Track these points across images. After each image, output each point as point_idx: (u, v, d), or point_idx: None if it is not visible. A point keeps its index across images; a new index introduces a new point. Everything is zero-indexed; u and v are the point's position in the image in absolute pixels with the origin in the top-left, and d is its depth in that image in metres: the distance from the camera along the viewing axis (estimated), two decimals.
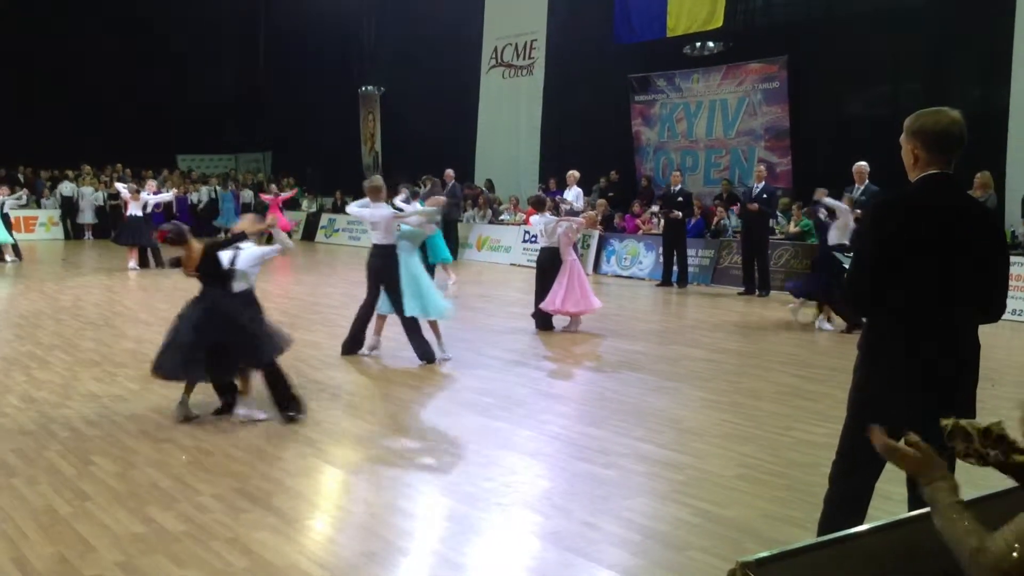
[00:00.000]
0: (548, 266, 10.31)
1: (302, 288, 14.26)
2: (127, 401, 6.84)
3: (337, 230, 24.05)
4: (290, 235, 23.41)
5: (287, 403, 6.33)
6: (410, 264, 8.54)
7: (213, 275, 6.35)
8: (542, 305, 10.23)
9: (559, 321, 10.45)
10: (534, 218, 11.16)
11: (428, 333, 8.56)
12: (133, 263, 16.03)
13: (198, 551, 4.06)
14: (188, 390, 6.31)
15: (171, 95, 26.63)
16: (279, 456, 5.53)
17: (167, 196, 18.08)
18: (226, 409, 6.40)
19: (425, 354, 8.38)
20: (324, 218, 24.82)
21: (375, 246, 8.64)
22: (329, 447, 5.83)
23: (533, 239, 18.54)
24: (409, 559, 4.14)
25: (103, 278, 14.76)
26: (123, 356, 8.53)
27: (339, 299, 12.87)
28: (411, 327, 8.41)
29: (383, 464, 5.49)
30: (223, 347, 6.12)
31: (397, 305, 8.38)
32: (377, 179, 8.86)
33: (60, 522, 4.40)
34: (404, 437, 6.14)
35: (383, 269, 8.48)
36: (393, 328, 8.75)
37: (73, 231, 23.41)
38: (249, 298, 6.74)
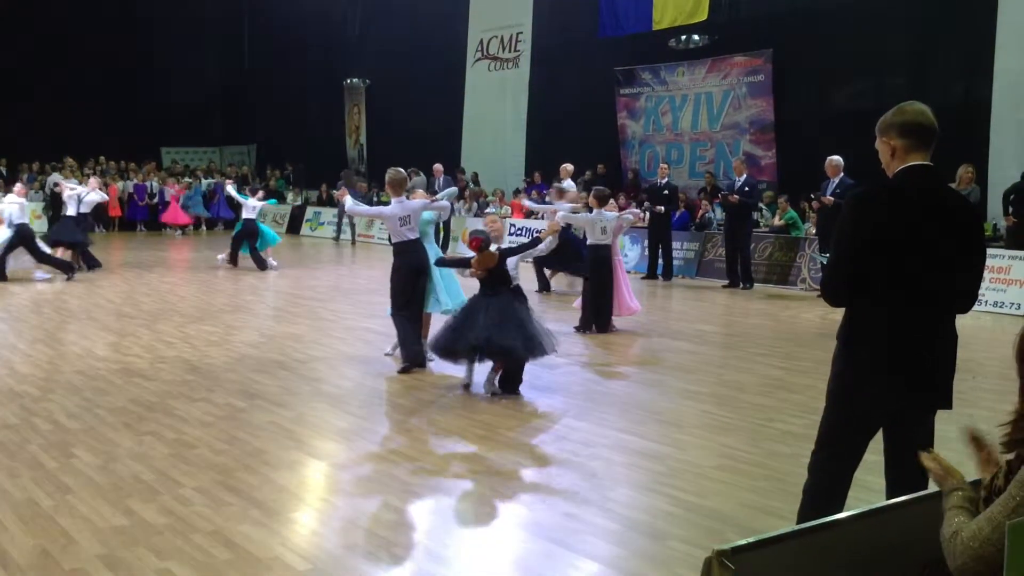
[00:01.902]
0: (603, 265, 9.83)
1: (286, 281, 14.22)
2: (109, 394, 6.81)
3: (322, 223, 23.99)
4: (185, 230, 23.54)
5: (516, 389, 7.03)
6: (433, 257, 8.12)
7: (502, 276, 7.11)
8: (617, 313, 9.88)
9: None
10: (584, 216, 10.21)
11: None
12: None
13: (180, 544, 4.06)
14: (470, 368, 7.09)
15: (155, 88, 26.46)
16: (262, 449, 5.52)
17: (96, 196, 15.47)
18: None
19: (413, 358, 7.82)
20: (309, 211, 24.75)
21: (409, 242, 7.90)
22: (313, 440, 5.82)
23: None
24: (393, 551, 4.15)
25: (84, 271, 14.67)
26: (104, 349, 8.50)
27: (325, 293, 12.85)
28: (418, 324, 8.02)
29: (367, 457, 5.50)
30: (509, 336, 6.78)
31: (423, 299, 8.00)
32: (399, 172, 8.09)
33: (41, 515, 4.38)
34: (388, 430, 6.14)
35: (424, 265, 7.93)
36: (375, 322, 8.74)
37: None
38: (523, 296, 7.37)
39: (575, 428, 6.08)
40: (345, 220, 21.95)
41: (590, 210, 10.13)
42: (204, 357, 8.34)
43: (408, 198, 8.04)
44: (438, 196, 9.01)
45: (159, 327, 9.88)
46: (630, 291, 10.27)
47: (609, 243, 9.94)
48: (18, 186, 14.44)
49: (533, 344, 6.89)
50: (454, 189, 9.03)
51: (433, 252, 8.26)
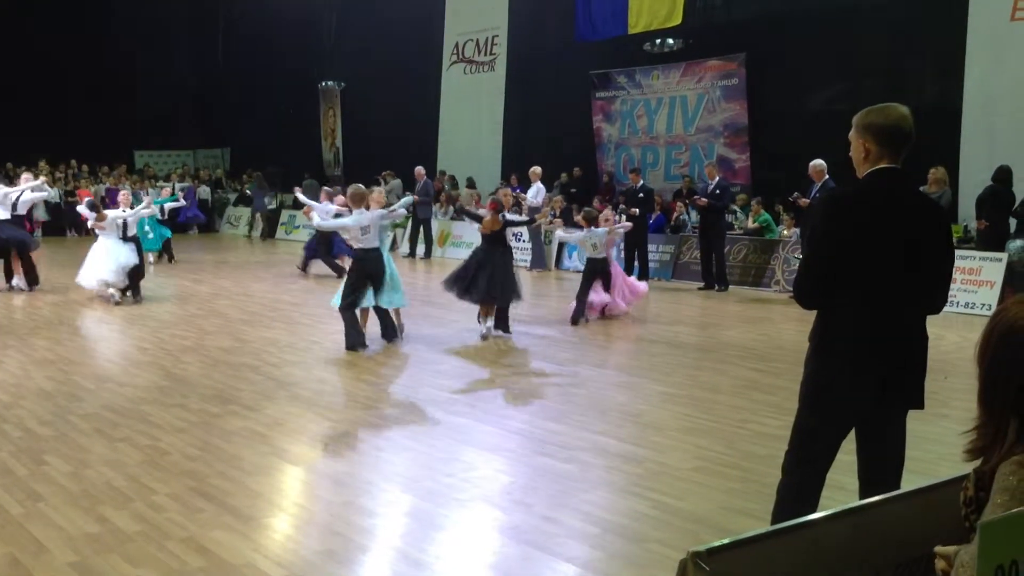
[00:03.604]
0: (599, 274, 10.84)
1: (262, 285, 14.13)
2: (81, 400, 6.74)
3: (298, 227, 23.85)
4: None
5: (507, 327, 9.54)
6: (389, 259, 9.25)
7: (502, 238, 9.72)
8: (610, 307, 10.88)
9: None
10: (577, 234, 11.38)
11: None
12: (18, 279, 12.83)
13: (153, 551, 4.02)
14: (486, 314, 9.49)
15: (128, 90, 26.22)
16: (236, 455, 5.48)
17: (36, 195, 13.72)
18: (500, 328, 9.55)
19: (357, 343, 8.82)
20: (284, 215, 24.62)
21: (368, 250, 8.89)
22: (288, 445, 5.79)
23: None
24: (369, 556, 4.13)
25: (56, 275, 14.49)
26: (77, 355, 8.40)
27: (299, 296, 12.78)
28: (359, 315, 9.06)
29: (342, 461, 5.47)
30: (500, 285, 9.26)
31: (364, 298, 8.96)
32: (359, 187, 9.22)
33: (12, 523, 4.32)
34: (363, 434, 6.11)
35: (378, 272, 8.94)
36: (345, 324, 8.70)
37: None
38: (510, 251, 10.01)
39: (552, 431, 6.08)
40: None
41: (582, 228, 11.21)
42: (178, 363, 8.27)
43: (367, 208, 8.96)
44: (394, 206, 9.98)
45: (134, 332, 9.79)
46: (623, 293, 11.16)
47: (603, 256, 10.88)
48: None
49: (517, 293, 9.59)
50: (410, 198, 9.99)
51: (388, 257, 9.31)
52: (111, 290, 11.61)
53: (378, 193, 9.40)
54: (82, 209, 12.44)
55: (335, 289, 9.69)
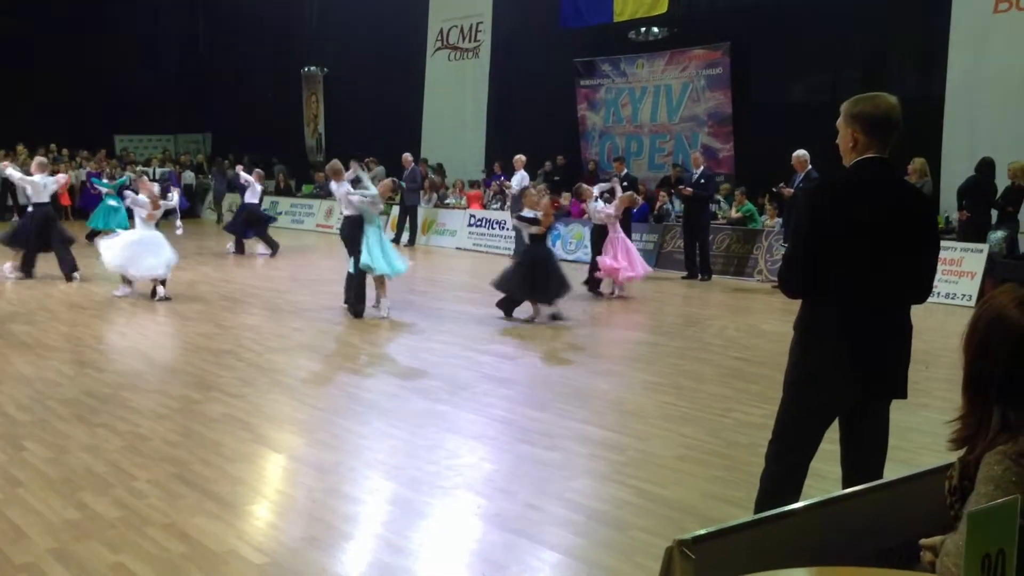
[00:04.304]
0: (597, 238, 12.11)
1: (244, 272, 14.05)
2: (60, 386, 6.67)
3: (280, 213, 23.70)
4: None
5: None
6: (369, 231, 9.83)
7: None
8: (601, 271, 11.89)
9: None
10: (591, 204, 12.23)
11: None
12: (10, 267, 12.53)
13: (134, 537, 3.99)
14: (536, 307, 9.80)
15: (108, 74, 25.94)
16: (218, 441, 5.45)
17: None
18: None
19: (355, 309, 9.85)
20: (266, 201, 24.42)
21: (346, 218, 10.12)
22: (270, 432, 5.76)
23: (479, 223, 18.52)
24: (352, 543, 4.12)
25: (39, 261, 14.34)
26: (56, 340, 8.33)
27: (283, 283, 12.71)
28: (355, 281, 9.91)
29: (325, 448, 5.45)
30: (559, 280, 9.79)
31: (356, 262, 9.79)
32: (335, 162, 10.65)
33: None
34: (346, 421, 6.09)
35: (349, 237, 9.96)
36: (334, 313, 8.66)
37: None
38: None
39: (535, 419, 6.08)
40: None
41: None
42: (158, 348, 8.21)
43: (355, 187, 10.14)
44: (353, 192, 10.21)
45: (112, 318, 9.72)
46: (627, 259, 11.89)
47: (600, 224, 11.95)
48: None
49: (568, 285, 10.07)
50: (374, 191, 10.15)
51: (370, 229, 9.87)
52: (161, 289, 10.77)
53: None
54: (134, 198, 11.21)
55: (316, 276, 9.65)
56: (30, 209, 12.30)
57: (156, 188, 11.77)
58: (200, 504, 4.41)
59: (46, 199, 12.24)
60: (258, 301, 11.07)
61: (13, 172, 13.53)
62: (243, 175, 16.82)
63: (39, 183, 12.20)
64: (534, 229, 9.82)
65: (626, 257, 11.75)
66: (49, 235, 12.26)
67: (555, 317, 9.83)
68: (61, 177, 13.81)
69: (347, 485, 4.81)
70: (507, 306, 10.03)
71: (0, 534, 3.99)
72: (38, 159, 13.02)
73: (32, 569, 3.66)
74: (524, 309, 10.04)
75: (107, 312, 10.01)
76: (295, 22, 25.84)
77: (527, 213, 10.11)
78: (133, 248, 10.72)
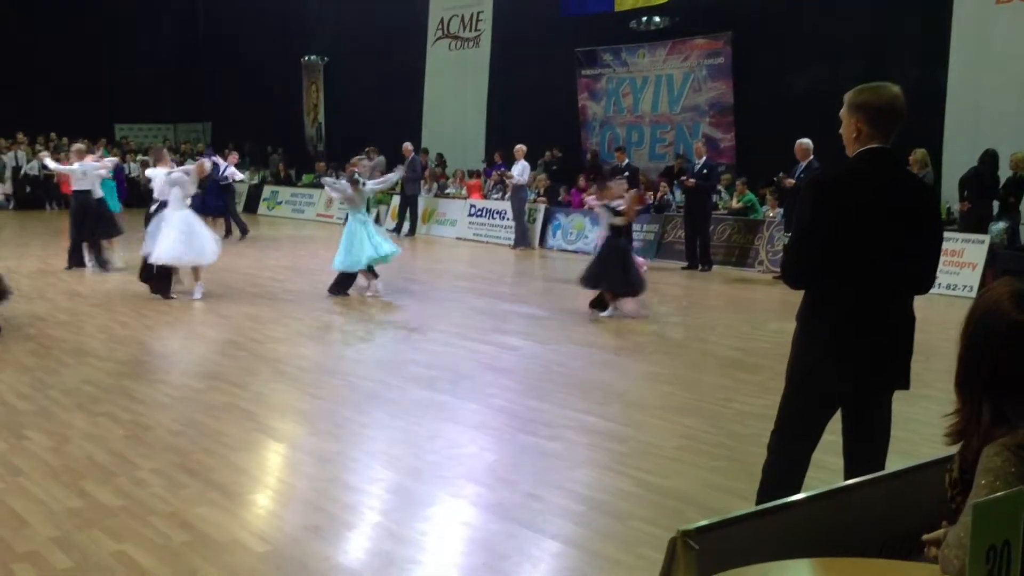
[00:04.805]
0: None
1: (244, 261, 14.04)
2: (61, 375, 6.68)
3: (280, 202, 23.71)
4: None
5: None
6: (347, 226, 10.40)
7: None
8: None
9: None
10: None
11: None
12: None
13: (136, 526, 3.99)
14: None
15: (108, 63, 25.87)
16: (221, 431, 5.46)
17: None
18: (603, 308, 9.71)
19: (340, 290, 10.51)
20: (267, 190, 24.44)
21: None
22: (272, 421, 5.77)
23: (479, 213, 18.50)
24: (353, 532, 4.13)
25: (37, 250, 14.36)
26: (57, 329, 8.33)
27: (283, 273, 12.71)
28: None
29: (327, 438, 5.46)
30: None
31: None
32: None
33: None
34: (347, 411, 6.09)
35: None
36: (334, 303, 8.64)
37: None
38: None
39: (536, 409, 6.09)
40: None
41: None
42: (160, 337, 8.22)
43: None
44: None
45: (113, 306, 9.71)
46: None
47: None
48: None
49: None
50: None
51: (350, 230, 10.39)
52: (199, 287, 10.24)
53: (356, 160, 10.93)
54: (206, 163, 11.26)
55: (316, 266, 9.64)
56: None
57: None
58: (202, 493, 4.42)
59: (88, 187, 12.09)
60: (258, 290, 11.06)
61: (51, 162, 13.52)
62: (223, 166, 16.68)
63: (78, 171, 12.13)
64: (618, 220, 9.63)
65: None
66: (92, 225, 12.12)
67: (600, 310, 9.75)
68: (108, 161, 13.63)
69: (348, 474, 4.82)
70: (600, 303, 9.85)
71: (2, 522, 4.00)
72: (76, 146, 13.02)
73: (34, 557, 3.66)
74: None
75: (107, 301, 10.00)
76: (295, 11, 25.73)
77: (614, 204, 9.79)
78: (180, 236, 9.97)
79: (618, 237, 9.77)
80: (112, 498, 4.31)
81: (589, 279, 9.70)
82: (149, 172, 10.58)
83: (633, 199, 9.98)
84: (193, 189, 10.45)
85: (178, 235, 9.95)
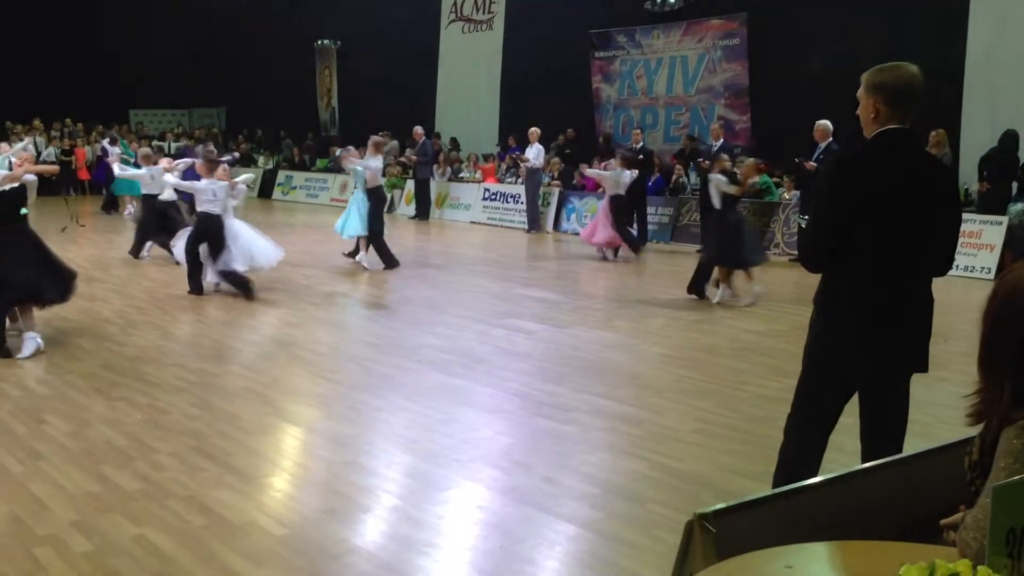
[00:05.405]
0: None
1: None
2: (79, 360, 6.73)
3: (294, 187, 23.74)
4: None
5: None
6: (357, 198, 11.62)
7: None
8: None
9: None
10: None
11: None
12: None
13: (154, 509, 4.03)
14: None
15: (123, 49, 25.91)
16: (237, 415, 5.49)
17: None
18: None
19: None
20: (281, 175, 24.47)
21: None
22: (288, 405, 5.79)
23: (493, 197, 18.47)
24: (370, 515, 4.15)
25: (53, 235, 14.43)
26: (74, 314, 8.38)
27: (298, 257, 12.72)
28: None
29: (342, 422, 5.48)
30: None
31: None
32: (377, 136, 12.56)
33: (12, 481, 4.33)
34: (363, 395, 6.11)
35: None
36: (349, 287, 8.65)
37: None
38: None
39: (551, 392, 6.09)
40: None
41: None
42: (176, 322, 8.25)
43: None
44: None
45: (129, 292, 9.77)
46: (597, 226, 13.12)
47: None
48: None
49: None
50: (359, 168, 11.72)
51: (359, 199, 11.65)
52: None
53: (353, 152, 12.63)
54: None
55: (331, 250, 9.61)
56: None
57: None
58: (220, 476, 4.45)
59: (157, 191, 12.00)
60: (275, 275, 11.08)
61: (116, 167, 13.40)
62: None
63: (145, 175, 12.11)
64: (732, 189, 9.51)
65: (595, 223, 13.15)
66: (165, 225, 11.90)
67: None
68: (165, 162, 13.42)
69: (364, 458, 4.84)
70: (699, 288, 9.84)
71: (23, 506, 4.04)
72: (143, 151, 13.16)
73: (54, 541, 3.70)
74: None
75: (123, 286, 10.06)
76: None
77: (719, 176, 9.71)
78: (239, 245, 9.78)
79: (730, 211, 9.66)
80: (131, 482, 4.35)
81: (716, 257, 9.72)
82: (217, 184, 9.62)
83: (750, 167, 9.92)
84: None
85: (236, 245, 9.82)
